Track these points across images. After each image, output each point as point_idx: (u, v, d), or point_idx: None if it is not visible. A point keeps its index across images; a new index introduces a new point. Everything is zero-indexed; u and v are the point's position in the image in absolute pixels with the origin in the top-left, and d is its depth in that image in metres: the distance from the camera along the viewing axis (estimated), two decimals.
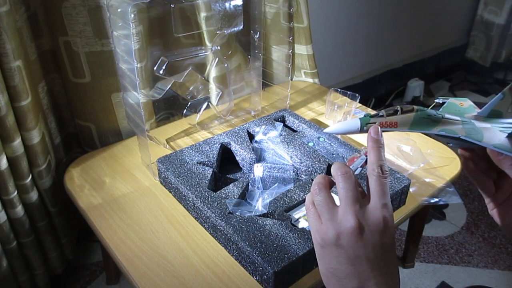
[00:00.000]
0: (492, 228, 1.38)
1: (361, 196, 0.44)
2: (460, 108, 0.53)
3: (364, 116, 0.48)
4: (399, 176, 0.80)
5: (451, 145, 0.52)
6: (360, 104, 1.17)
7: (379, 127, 0.46)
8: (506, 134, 0.48)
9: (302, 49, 1.30)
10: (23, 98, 0.82)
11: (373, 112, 0.50)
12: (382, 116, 0.48)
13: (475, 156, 0.51)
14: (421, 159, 0.95)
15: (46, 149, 0.92)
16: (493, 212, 0.52)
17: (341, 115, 1.07)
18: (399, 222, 0.81)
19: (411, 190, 0.84)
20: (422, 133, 0.49)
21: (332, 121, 1.09)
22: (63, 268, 1.06)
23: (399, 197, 0.80)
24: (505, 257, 1.27)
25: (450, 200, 0.84)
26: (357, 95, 1.09)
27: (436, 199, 0.84)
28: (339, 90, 1.13)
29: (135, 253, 0.71)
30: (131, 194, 0.84)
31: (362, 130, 0.47)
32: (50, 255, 1.00)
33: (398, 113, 0.49)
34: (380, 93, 2.14)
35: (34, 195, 0.90)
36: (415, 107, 0.49)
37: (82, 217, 0.82)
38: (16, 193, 0.85)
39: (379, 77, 2.07)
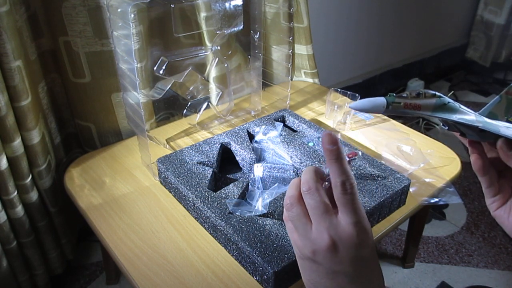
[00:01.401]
0: (492, 228, 1.38)
1: (332, 207, 0.42)
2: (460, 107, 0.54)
3: (389, 95, 0.47)
4: (399, 176, 0.80)
5: (466, 136, 0.51)
6: None
7: (333, 134, 0.42)
8: None
9: (302, 49, 1.30)
10: (23, 98, 0.82)
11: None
12: (407, 97, 0.47)
13: (484, 153, 0.51)
14: (421, 159, 0.95)
15: (46, 149, 0.92)
16: (496, 213, 0.51)
17: (341, 115, 1.07)
18: (399, 222, 0.81)
19: (411, 190, 0.84)
20: (442, 118, 0.49)
21: (332, 121, 1.09)
22: (63, 268, 1.06)
23: (399, 197, 0.80)
24: (505, 257, 1.27)
25: (450, 200, 0.84)
26: (357, 95, 1.09)
27: (436, 199, 0.84)
28: (339, 90, 1.13)
29: (135, 253, 0.71)
30: (131, 194, 0.84)
31: (387, 109, 0.46)
32: (50, 255, 1.00)
33: (421, 96, 0.48)
34: (380, 93, 2.14)
35: (34, 195, 0.90)
36: (437, 93, 0.48)
37: (82, 217, 0.82)
38: (16, 193, 0.85)
39: (379, 77, 2.08)
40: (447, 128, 0.52)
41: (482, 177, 0.50)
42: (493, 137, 0.49)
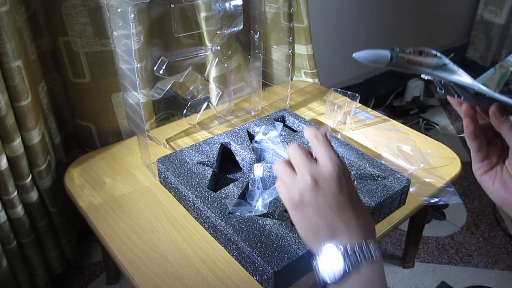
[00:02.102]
0: (492, 228, 1.38)
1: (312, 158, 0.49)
2: None
3: (393, 49, 0.47)
4: (399, 176, 0.80)
5: (460, 98, 0.52)
6: (360, 104, 1.17)
7: (325, 130, 0.51)
8: None
9: (302, 49, 1.30)
10: (23, 98, 0.82)
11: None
12: (410, 53, 0.48)
13: (476, 119, 0.53)
14: (421, 159, 0.95)
15: (46, 149, 0.92)
16: (482, 178, 0.54)
17: (341, 115, 1.07)
18: (399, 222, 0.81)
19: (411, 190, 0.84)
20: (441, 78, 0.50)
21: (332, 121, 1.09)
22: (63, 268, 1.06)
23: (399, 197, 0.80)
24: (505, 257, 1.27)
25: (450, 200, 0.84)
26: (357, 95, 1.09)
27: (436, 199, 0.84)
28: (339, 90, 1.13)
29: (135, 253, 0.71)
30: (131, 194, 0.84)
31: (390, 62, 0.47)
32: (50, 255, 1.00)
33: (423, 54, 0.49)
34: (380, 93, 2.14)
35: (34, 195, 0.90)
36: (438, 53, 0.50)
37: (82, 217, 0.82)
38: (16, 193, 0.85)
39: (379, 77, 2.07)
40: (443, 91, 0.53)
41: (472, 142, 0.52)
42: (486, 103, 0.50)
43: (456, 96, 0.52)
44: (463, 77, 0.51)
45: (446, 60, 0.50)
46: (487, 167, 0.53)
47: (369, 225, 0.48)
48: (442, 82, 0.52)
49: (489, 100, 0.50)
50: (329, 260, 0.45)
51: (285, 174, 0.49)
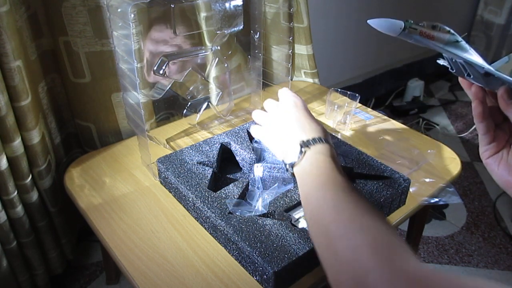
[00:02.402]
0: (492, 228, 1.38)
1: None
2: None
3: (407, 20, 0.48)
4: (399, 176, 0.80)
5: (469, 78, 0.53)
6: (360, 104, 1.17)
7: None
8: None
9: (302, 49, 1.30)
10: (23, 98, 0.82)
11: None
12: (423, 26, 0.49)
13: (485, 101, 0.54)
14: (421, 159, 0.95)
15: (46, 149, 0.92)
16: (487, 161, 0.55)
17: (341, 115, 1.07)
18: (399, 222, 0.81)
19: (411, 190, 0.84)
20: (453, 54, 0.50)
21: (332, 121, 1.09)
22: (63, 268, 1.06)
23: (399, 197, 0.80)
24: (505, 257, 1.27)
25: (450, 200, 0.84)
26: (357, 95, 1.09)
27: (436, 199, 0.84)
28: (339, 90, 1.13)
29: (135, 253, 0.71)
30: (131, 194, 0.84)
31: (403, 32, 0.48)
32: (50, 255, 1.00)
33: (436, 29, 0.50)
34: (380, 93, 2.14)
35: (34, 195, 0.90)
36: (451, 30, 0.50)
37: (82, 217, 0.82)
38: (16, 193, 0.86)
39: (379, 77, 2.08)
40: (454, 71, 0.53)
41: (480, 123, 0.54)
42: (495, 84, 0.50)
43: (466, 75, 0.52)
44: (474, 56, 0.51)
45: (459, 38, 0.50)
46: (494, 150, 0.54)
47: (320, 128, 0.66)
48: (453, 60, 0.52)
49: (498, 82, 0.50)
50: (293, 149, 0.63)
51: (261, 113, 0.73)
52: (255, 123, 0.75)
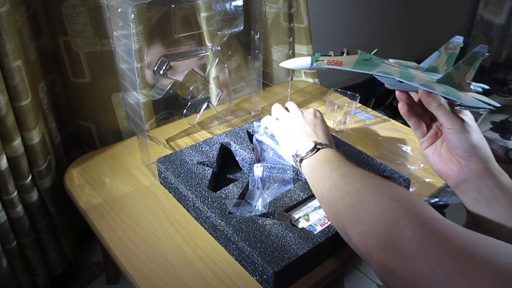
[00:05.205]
0: None
1: None
2: (405, 63, 0.63)
3: (315, 54, 0.56)
4: (399, 176, 0.80)
5: (388, 86, 0.60)
6: (360, 104, 1.17)
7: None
8: (435, 80, 0.56)
9: (302, 49, 1.30)
10: (23, 98, 0.82)
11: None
12: (330, 55, 0.56)
13: (410, 100, 0.62)
14: (421, 159, 0.95)
15: (46, 149, 0.92)
16: (425, 152, 0.62)
17: (341, 115, 1.07)
18: None
19: (411, 190, 0.84)
20: (362, 72, 0.57)
21: (332, 121, 1.09)
22: (63, 268, 1.06)
23: None
24: None
25: (450, 200, 0.84)
26: (357, 95, 1.09)
27: (436, 199, 0.84)
28: (339, 90, 1.13)
29: (135, 253, 0.71)
30: (131, 194, 0.84)
31: (312, 66, 0.56)
32: (50, 255, 1.00)
33: (344, 54, 0.56)
34: (380, 93, 2.14)
35: (34, 195, 0.90)
36: (359, 51, 0.57)
37: (82, 217, 0.82)
38: (16, 193, 0.85)
39: None
40: (388, 86, 0.61)
41: (409, 121, 0.62)
42: (414, 87, 0.57)
43: (386, 84, 0.60)
44: (388, 69, 0.57)
45: (368, 56, 0.57)
46: (429, 141, 0.61)
47: (333, 142, 0.69)
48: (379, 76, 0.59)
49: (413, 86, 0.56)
50: (304, 145, 0.65)
51: (271, 119, 0.78)
52: (255, 123, 0.76)
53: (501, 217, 0.53)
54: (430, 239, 0.39)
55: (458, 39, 0.65)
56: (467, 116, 0.56)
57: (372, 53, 0.58)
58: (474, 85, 0.57)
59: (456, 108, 0.54)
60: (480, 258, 0.36)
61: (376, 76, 0.58)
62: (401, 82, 0.56)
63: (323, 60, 0.56)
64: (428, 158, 0.61)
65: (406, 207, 0.44)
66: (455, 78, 0.55)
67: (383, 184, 0.50)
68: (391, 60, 0.61)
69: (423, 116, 0.62)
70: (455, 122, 0.54)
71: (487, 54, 0.53)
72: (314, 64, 0.56)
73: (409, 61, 0.65)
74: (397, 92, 0.61)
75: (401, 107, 0.61)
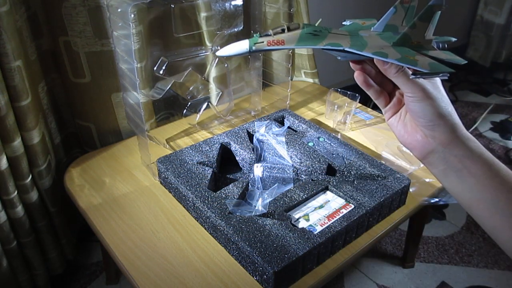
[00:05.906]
0: None
1: None
2: (360, 26, 0.57)
3: (253, 36, 0.50)
4: (399, 176, 0.80)
5: (340, 58, 0.54)
6: (360, 104, 1.17)
7: None
8: (391, 44, 0.50)
9: (302, 49, 1.30)
10: (23, 98, 0.82)
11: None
12: (270, 35, 0.50)
13: (367, 68, 0.55)
14: None
15: (46, 149, 0.92)
16: (389, 122, 0.56)
17: (341, 115, 1.07)
18: (399, 222, 0.81)
19: (411, 190, 0.84)
20: (309, 47, 0.51)
21: (332, 121, 1.09)
22: (63, 268, 1.06)
23: (399, 197, 0.80)
24: (505, 257, 1.27)
25: (450, 200, 0.84)
26: (357, 95, 1.09)
27: (436, 199, 0.84)
28: (339, 90, 1.13)
29: (135, 253, 0.71)
30: (131, 194, 0.84)
31: (251, 50, 0.50)
32: (50, 255, 1.00)
33: (285, 31, 0.50)
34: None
35: (34, 195, 0.90)
36: (301, 24, 0.51)
37: (82, 217, 0.82)
38: (16, 193, 0.85)
39: None
40: (340, 58, 0.55)
41: (368, 91, 0.55)
42: (367, 56, 0.51)
43: (337, 57, 0.54)
44: (337, 39, 0.51)
45: (312, 28, 0.51)
46: (392, 111, 0.56)
47: None
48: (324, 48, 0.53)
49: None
50: None
51: None
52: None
53: (474, 189, 0.48)
54: None
55: None
56: (432, 81, 0.51)
57: (317, 23, 0.52)
58: (437, 41, 0.53)
59: (411, 77, 0.49)
60: None
61: (325, 50, 0.52)
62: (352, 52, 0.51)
63: (262, 42, 0.50)
64: (392, 128, 0.56)
65: None
66: (413, 38, 0.50)
67: None
68: (342, 28, 0.56)
69: (385, 83, 0.56)
70: (416, 89, 0.49)
71: (445, 6, 0.48)
72: (253, 47, 0.49)
73: (369, 19, 0.59)
74: (350, 62, 0.55)
75: (357, 77, 0.54)
